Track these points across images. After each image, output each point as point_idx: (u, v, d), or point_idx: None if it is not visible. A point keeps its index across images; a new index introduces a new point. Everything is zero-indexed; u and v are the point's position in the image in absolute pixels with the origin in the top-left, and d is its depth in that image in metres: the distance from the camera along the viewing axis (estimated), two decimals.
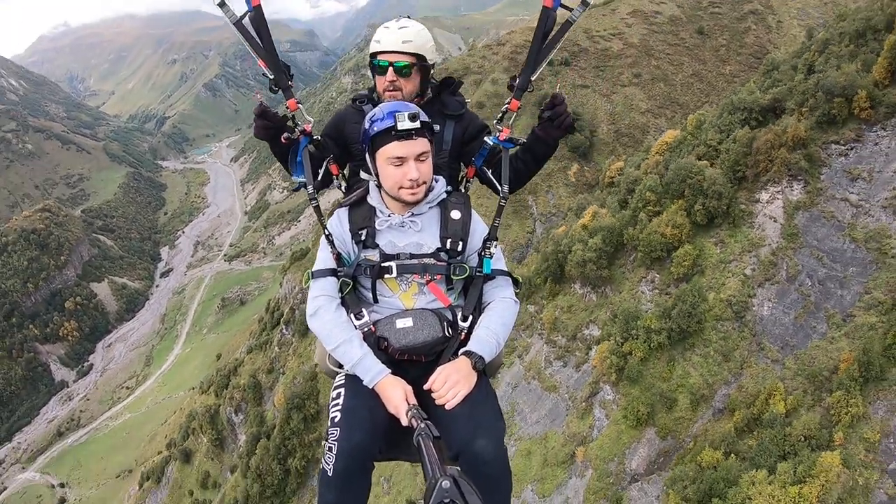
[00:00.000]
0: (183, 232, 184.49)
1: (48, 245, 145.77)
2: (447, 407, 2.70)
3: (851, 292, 25.19)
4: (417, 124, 2.82)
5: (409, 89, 3.41)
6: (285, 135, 3.22)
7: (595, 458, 28.17)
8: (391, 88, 3.40)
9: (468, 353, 2.85)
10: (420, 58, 3.37)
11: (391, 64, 3.36)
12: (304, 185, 3.29)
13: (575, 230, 37.24)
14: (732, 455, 22.82)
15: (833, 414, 21.72)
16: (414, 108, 2.89)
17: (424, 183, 2.96)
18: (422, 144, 2.88)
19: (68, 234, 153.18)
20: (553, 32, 3.08)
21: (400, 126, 2.81)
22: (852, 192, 27.02)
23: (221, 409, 76.91)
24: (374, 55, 3.43)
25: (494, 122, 3.33)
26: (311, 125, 3.33)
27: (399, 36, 3.34)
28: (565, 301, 36.36)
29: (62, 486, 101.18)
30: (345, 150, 3.57)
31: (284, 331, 73.95)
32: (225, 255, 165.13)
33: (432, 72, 3.49)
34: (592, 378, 30.60)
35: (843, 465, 20.25)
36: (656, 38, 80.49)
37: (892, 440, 21.49)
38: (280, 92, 3.27)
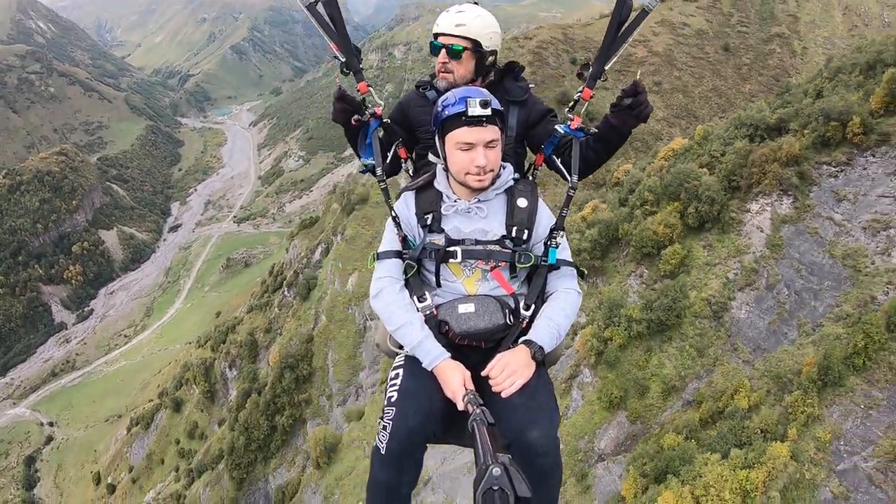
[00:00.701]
0: (195, 189, 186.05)
1: (61, 188, 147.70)
2: (503, 395, 2.73)
3: (824, 304, 26.73)
4: (488, 111, 2.85)
5: (460, 73, 3.46)
6: (355, 117, 3.28)
7: (567, 436, 29.78)
8: (443, 70, 3.48)
9: (528, 343, 2.88)
10: (475, 43, 3.39)
11: (444, 46, 3.43)
12: (373, 169, 3.37)
13: (574, 221, 38.71)
14: (693, 440, 24.50)
15: (790, 412, 23.30)
16: (486, 94, 2.91)
17: (492, 171, 2.98)
18: (492, 132, 2.90)
19: (82, 180, 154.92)
20: (628, 22, 3.04)
21: (471, 112, 2.83)
22: (837, 212, 28.46)
23: (216, 363, 78.52)
24: (434, 37, 3.51)
25: (566, 110, 3.35)
26: (381, 108, 3.38)
27: (454, 20, 3.41)
28: None
29: (51, 424, 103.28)
30: (410, 134, 3.64)
31: (286, 293, 75.34)
32: (234, 216, 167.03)
33: (491, 59, 3.50)
34: (574, 361, 32.22)
35: (792, 457, 21.86)
36: (681, 50, 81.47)
37: (842, 443, 23.04)
38: (350, 74, 3.34)
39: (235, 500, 60.32)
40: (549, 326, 2.94)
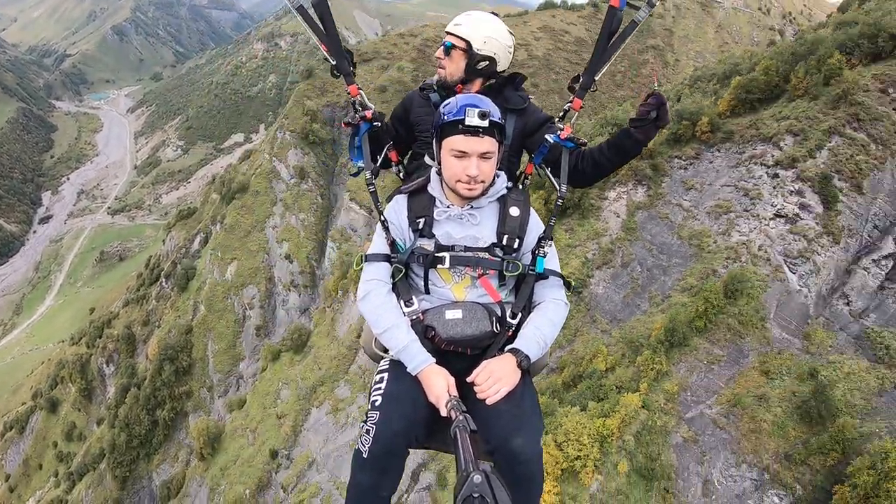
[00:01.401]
0: (68, 178, 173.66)
1: None
2: (487, 402, 2.73)
3: (672, 279, 30.40)
4: (486, 123, 2.86)
5: (449, 69, 3.54)
6: (345, 119, 3.35)
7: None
8: (439, 65, 3.59)
9: (514, 351, 2.89)
10: (466, 43, 3.47)
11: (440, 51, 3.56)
12: (363, 171, 3.39)
13: None
14: (556, 400, 27.16)
15: (642, 370, 26.44)
16: (488, 106, 2.92)
17: (483, 182, 2.98)
18: (488, 144, 2.91)
19: None
20: (618, 33, 3.14)
21: (468, 121, 2.85)
22: (685, 199, 32.33)
23: (93, 359, 75.05)
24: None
25: (556, 121, 3.44)
26: (371, 111, 3.39)
27: (457, 20, 3.53)
28: None
29: None
30: (409, 132, 3.69)
31: (164, 284, 73.30)
32: (109, 207, 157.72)
33: (485, 63, 3.51)
34: None
35: (644, 407, 24.99)
36: (559, 55, 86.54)
37: (689, 394, 26.47)
38: (341, 77, 3.35)
39: (119, 500, 58.32)
40: (535, 335, 2.95)
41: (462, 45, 3.48)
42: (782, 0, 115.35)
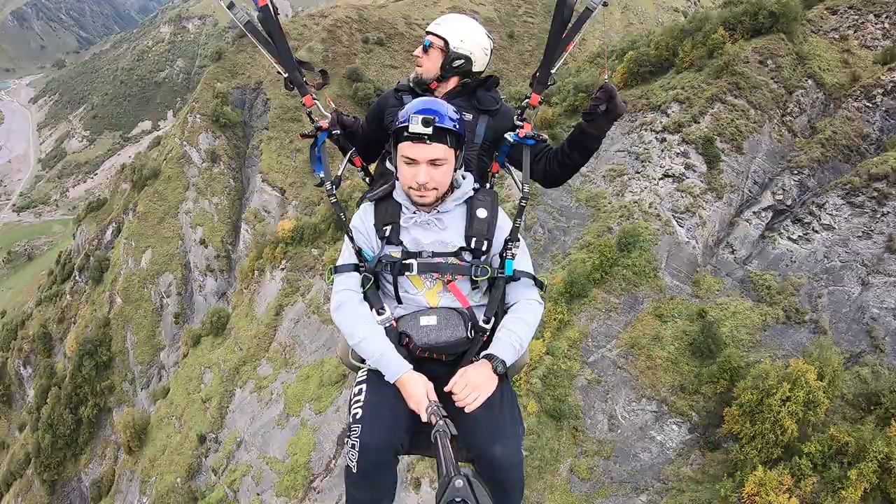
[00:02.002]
0: None
1: None
2: (466, 410, 2.72)
3: (571, 237, 32.79)
4: (429, 130, 2.78)
5: (426, 66, 3.52)
6: (303, 132, 3.34)
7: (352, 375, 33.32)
8: (417, 63, 3.58)
9: (490, 357, 2.86)
10: (444, 41, 3.47)
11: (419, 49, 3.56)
12: (325, 182, 3.31)
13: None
14: None
15: (545, 321, 28.60)
16: (436, 111, 2.84)
17: (435, 189, 2.93)
18: (436, 150, 2.84)
19: None
20: (571, 23, 3.08)
21: (411, 128, 2.79)
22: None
23: (8, 363, 72.59)
24: None
25: (514, 117, 3.38)
26: (327, 120, 3.37)
27: (438, 20, 3.57)
28: (341, 244, 41.64)
29: None
30: (384, 134, 3.50)
31: (78, 278, 71.48)
32: (14, 205, 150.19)
33: (460, 62, 3.50)
34: None
35: (549, 353, 27.16)
36: None
37: (590, 340, 28.88)
38: (294, 89, 3.30)
39: None
40: (510, 339, 2.92)
41: (440, 43, 3.49)
42: None
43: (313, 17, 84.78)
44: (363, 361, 3.01)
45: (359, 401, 2.86)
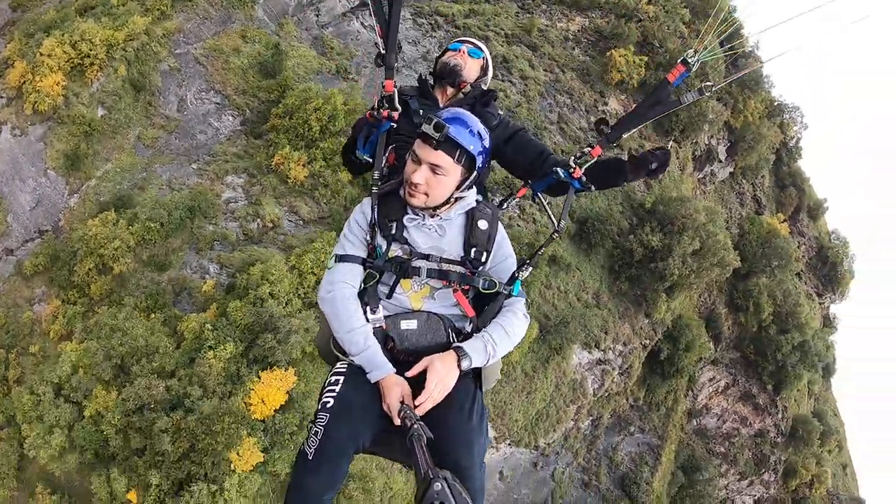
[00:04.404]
0: None
1: None
2: (428, 405, 2.73)
3: None
4: (437, 136, 2.80)
5: (470, 69, 3.67)
6: (371, 110, 3.32)
7: None
8: (456, 59, 3.66)
9: (457, 349, 2.85)
10: (486, 61, 3.78)
11: (464, 43, 3.74)
12: (372, 171, 3.26)
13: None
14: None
15: (148, 6, 33.88)
16: (452, 119, 2.90)
17: (425, 194, 2.93)
18: (439, 157, 2.86)
19: None
20: (661, 105, 3.10)
21: (423, 128, 2.83)
22: None
23: None
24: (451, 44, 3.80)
25: (572, 159, 3.28)
26: (398, 112, 3.29)
27: (473, 40, 3.79)
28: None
29: None
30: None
31: None
32: None
33: (484, 76, 3.76)
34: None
35: (146, 34, 32.69)
36: None
37: (182, 36, 34.72)
38: (382, 68, 3.22)
39: None
40: (483, 338, 2.93)
41: (483, 62, 3.73)
42: None
43: None
44: (345, 354, 2.99)
45: (333, 391, 2.83)
